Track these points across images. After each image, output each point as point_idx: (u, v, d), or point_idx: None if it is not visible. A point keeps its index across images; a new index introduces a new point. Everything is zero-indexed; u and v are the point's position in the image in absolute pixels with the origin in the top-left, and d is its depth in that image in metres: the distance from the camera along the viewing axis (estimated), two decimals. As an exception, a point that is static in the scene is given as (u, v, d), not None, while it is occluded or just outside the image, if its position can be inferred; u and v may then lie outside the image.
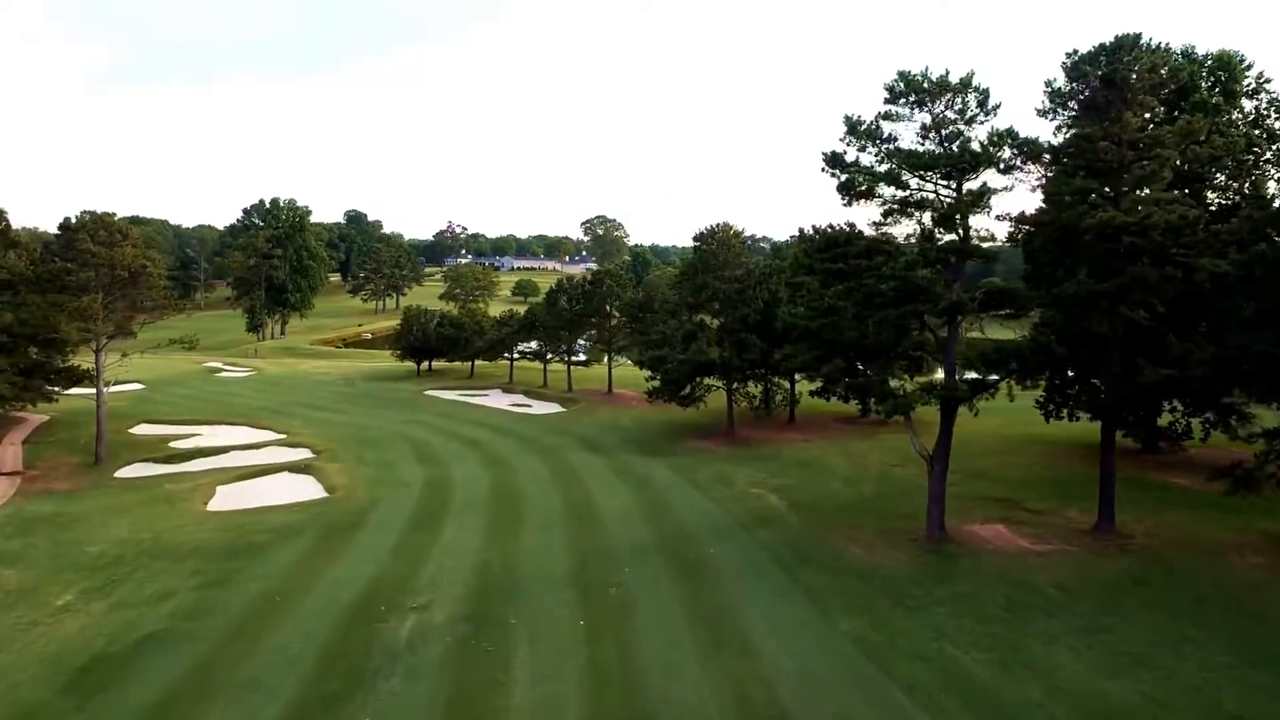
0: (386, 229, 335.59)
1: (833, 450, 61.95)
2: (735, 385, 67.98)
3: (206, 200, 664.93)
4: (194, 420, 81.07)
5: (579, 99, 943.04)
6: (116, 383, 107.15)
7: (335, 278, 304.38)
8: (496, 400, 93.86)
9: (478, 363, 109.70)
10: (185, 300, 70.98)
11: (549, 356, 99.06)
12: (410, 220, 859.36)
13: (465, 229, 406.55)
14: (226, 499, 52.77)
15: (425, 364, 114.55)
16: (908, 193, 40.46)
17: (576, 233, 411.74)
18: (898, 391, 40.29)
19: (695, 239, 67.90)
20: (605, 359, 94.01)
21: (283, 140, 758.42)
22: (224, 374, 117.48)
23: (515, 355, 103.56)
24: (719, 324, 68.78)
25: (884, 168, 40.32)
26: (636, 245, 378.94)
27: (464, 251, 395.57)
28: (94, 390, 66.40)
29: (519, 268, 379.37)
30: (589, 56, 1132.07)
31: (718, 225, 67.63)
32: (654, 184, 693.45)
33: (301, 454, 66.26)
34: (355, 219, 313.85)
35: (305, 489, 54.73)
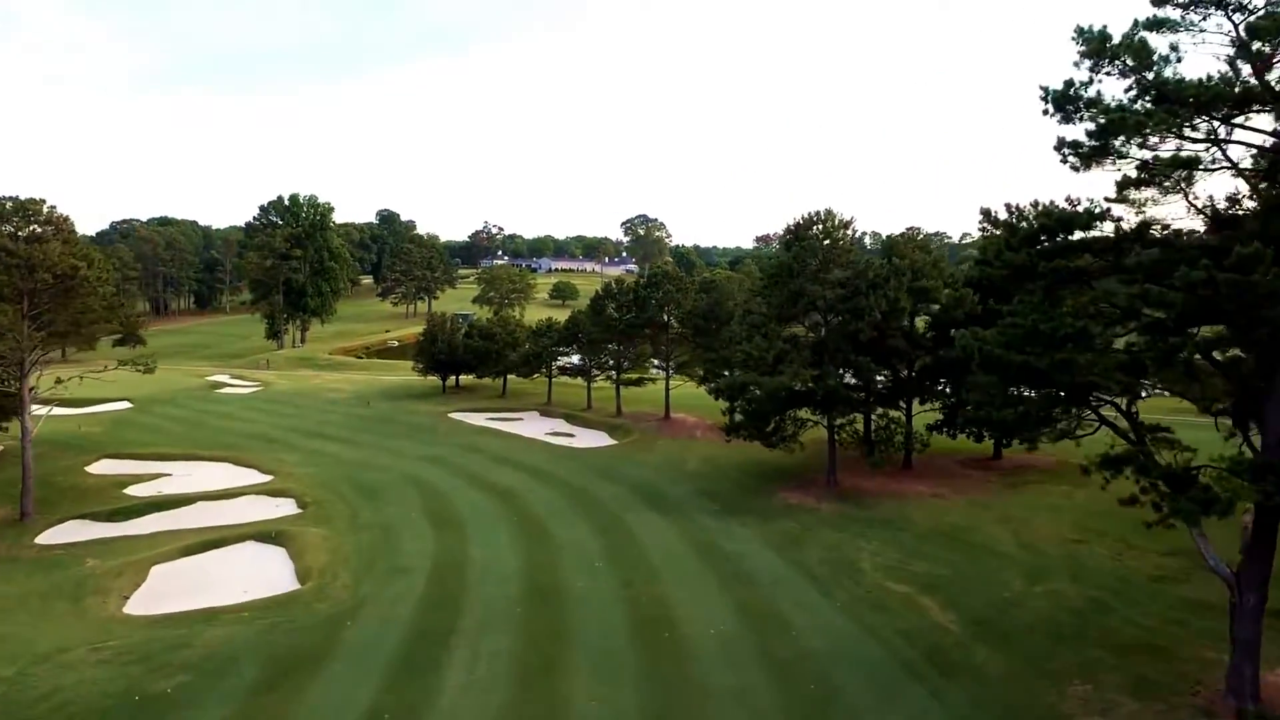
0: (420, 230, 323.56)
1: (978, 512, 46.12)
2: (840, 421, 52.30)
3: (239, 201, 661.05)
4: (169, 454, 67.14)
5: (619, 96, 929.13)
6: (101, 401, 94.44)
7: (367, 280, 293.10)
8: (532, 427, 78.88)
9: (511, 379, 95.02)
10: (137, 315, 58.12)
11: (594, 373, 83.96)
12: (445, 221, 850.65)
13: (501, 229, 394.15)
14: (157, 591, 38.28)
15: (452, 379, 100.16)
16: (1178, 147, 24.89)
17: (616, 233, 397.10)
18: (1181, 469, 24.52)
19: (787, 232, 52.11)
20: (661, 377, 78.69)
21: (316, 140, 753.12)
22: (227, 390, 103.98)
23: (554, 371, 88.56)
24: (812, 338, 53.20)
25: (1139, 104, 24.91)
26: (679, 246, 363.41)
27: (500, 253, 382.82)
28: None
29: (557, 269, 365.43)
30: (629, 53, 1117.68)
31: (815, 214, 52.10)
32: (695, 183, 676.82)
33: (282, 508, 51.75)
34: (387, 219, 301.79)
35: (270, 572, 40.07)
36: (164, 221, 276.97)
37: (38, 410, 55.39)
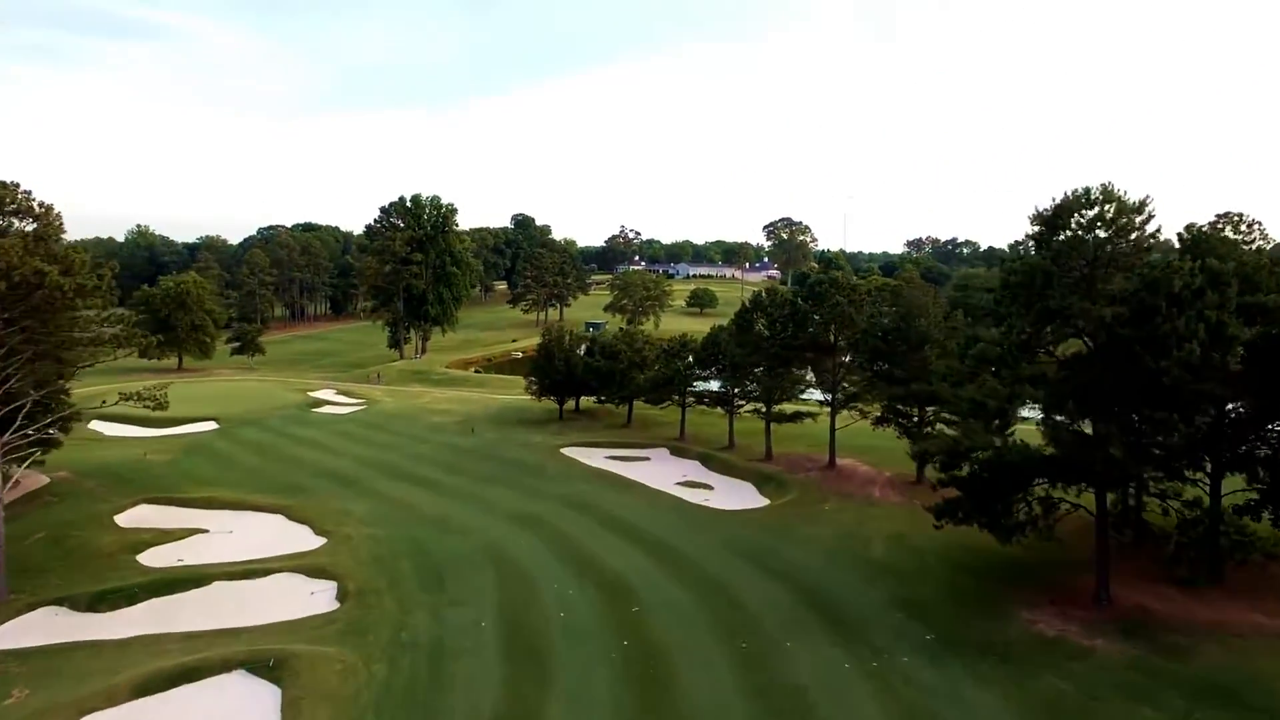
0: (556, 235, 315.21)
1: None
2: (1120, 503, 34.28)
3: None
4: (220, 500, 55.32)
5: (759, 99, 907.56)
6: (187, 420, 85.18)
7: (501, 286, 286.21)
8: (660, 471, 63.33)
9: (638, 405, 79.91)
10: (135, 334, 47.78)
11: (738, 403, 67.70)
12: (582, 226, 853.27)
13: (638, 234, 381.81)
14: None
15: (571, 402, 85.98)
16: None
17: (757, 237, 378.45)
18: None
19: (1038, 221, 34.32)
20: (824, 412, 61.54)
21: (457, 147, 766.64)
22: (325, 409, 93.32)
23: (689, 397, 72.72)
24: (1072, 380, 35.20)
25: None
26: (823, 250, 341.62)
27: (636, 258, 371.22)
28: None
29: (694, 275, 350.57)
30: (774, 55, 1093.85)
31: (1084, 193, 34.27)
32: (839, 185, 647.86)
33: (314, 600, 38.21)
34: (522, 223, 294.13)
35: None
36: (307, 227, 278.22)
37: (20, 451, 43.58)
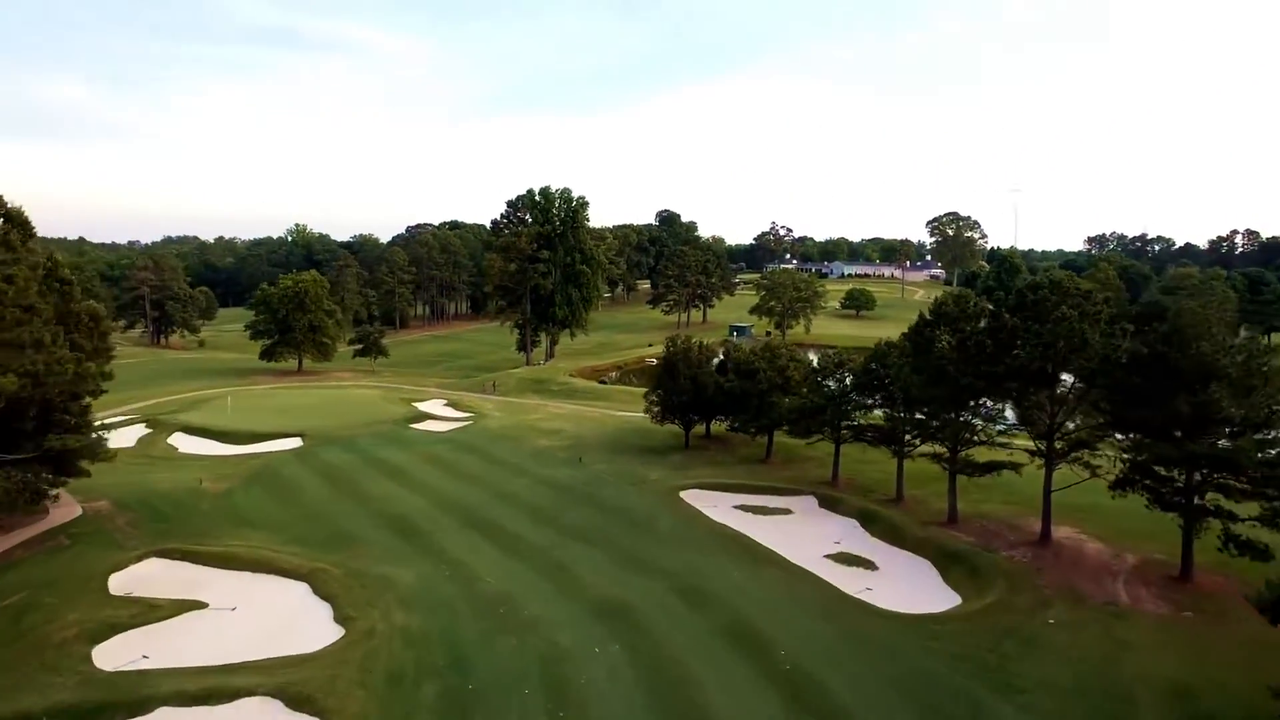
0: (703, 232, 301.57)
1: None
2: None
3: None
4: (242, 558, 44.38)
5: (919, 88, 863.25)
6: (272, 436, 76.34)
7: (645, 285, 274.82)
8: (805, 535, 48.37)
9: (780, 435, 64.83)
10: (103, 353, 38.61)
11: (913, 441, 51.65)
12: (730, 223, 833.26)
13: (790, 231, 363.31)
14: None
15: (701, 425, 71.83)
16: None
17: (918, 234, 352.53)
18: None
19: None
20: (1034, 463, 44.66)
21: (602, 144, 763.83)
22: (426, 424, 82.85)
23: (844, 430, 57.02)
24: None
25: None
26: (994, 248, 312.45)
27: (788, 256, 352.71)
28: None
29: (850, 274, 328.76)
30: (931, 44, 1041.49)
31: None
32: (1004, 179, 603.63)
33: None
34: (667, 220, 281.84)
35: None
36: (453, 225, 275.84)
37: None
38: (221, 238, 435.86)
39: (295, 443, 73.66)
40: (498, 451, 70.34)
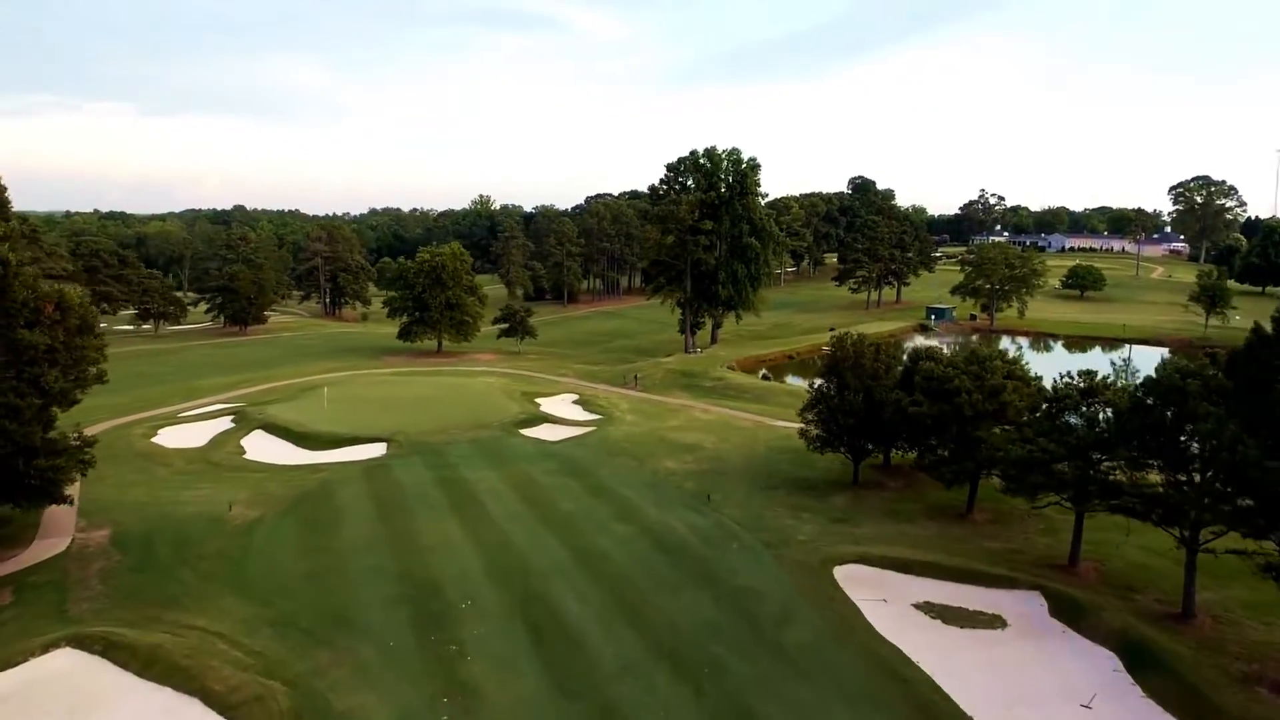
0: (901, 201, 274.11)
1: None
2: None
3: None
4: (183, 653, 31.48)
5: (1150, 42, 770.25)
6: (358, 440, 64.73)
7: (833, 259, 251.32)
8: (1031, 678, 30.09)
9: (987, 482, 45.75)
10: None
11: (1209, 529, 31.74)
12: (932, 191, 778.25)
13: (1001, 200, 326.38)
14: None
15: (878, 453, 53.57)
16: None
17: (1155, 203, 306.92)
18: None
19: None
20: None
21: (795, 110, 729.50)
22: (538, 430, 68.95)
23: (1092, 489, 37.39)
24: None
25: None
26: (1253, 218, 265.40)
27: (998, 227, 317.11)
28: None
29: (1071, 249, 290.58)
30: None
31: None
32: (1266, 138, 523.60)
33: None
34: (861, 187, 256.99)
35: None
36: (633, 195, 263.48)
37: None
38: (417, 209, 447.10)
39: (377, 450, 61.71)
40: (609, 476, 55.12)
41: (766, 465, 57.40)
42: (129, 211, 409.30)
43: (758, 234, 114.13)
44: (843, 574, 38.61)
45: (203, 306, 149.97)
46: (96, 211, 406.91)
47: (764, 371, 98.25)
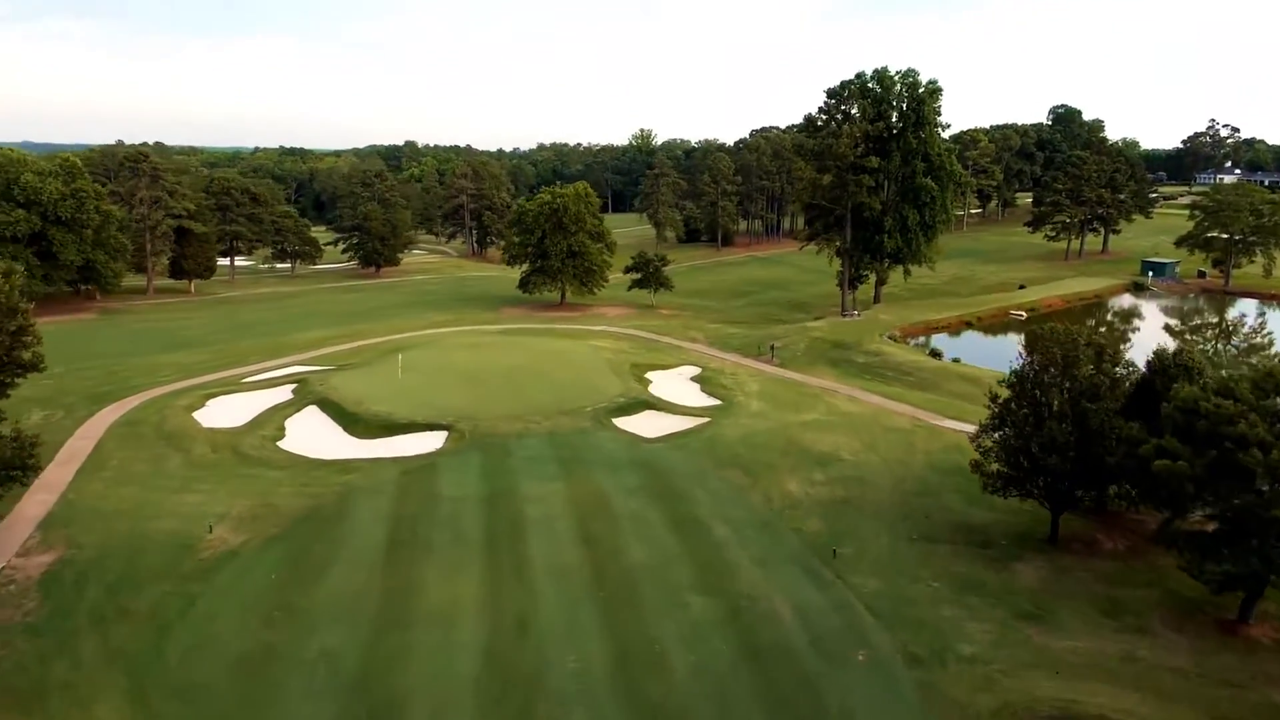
0: (1110, 134, 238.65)
1: None
2: None
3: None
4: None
5: None
6: (412, 428, 53.75)
7: (1027, 199, 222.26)
8: None
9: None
10: None
11: None
12: (1148, 121, 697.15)
13: (1236, 131, 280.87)
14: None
15: (1088, 497, 37.28)
16: None
17: None
18: None
19: None
20: None
21: (987, 30, 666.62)
22: (637, 420, 55.88)
23: None
24: None
25: None
26: None
27: (1229, 164, 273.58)
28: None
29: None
30: None
31: None
32: None
33: None
34: (1063, 118, 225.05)
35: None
36: (802, 128, 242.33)
37: None
38: (580, 144, 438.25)
39: (432, 441, 50.59)
40: (707, 502, 41.53)
41: (924, 496, 42.03)
42: (308, 147, 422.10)
43: (935, 173, 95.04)
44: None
45: (341, 246, 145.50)
46: (281, 147, 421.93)
47: (932, 346, 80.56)
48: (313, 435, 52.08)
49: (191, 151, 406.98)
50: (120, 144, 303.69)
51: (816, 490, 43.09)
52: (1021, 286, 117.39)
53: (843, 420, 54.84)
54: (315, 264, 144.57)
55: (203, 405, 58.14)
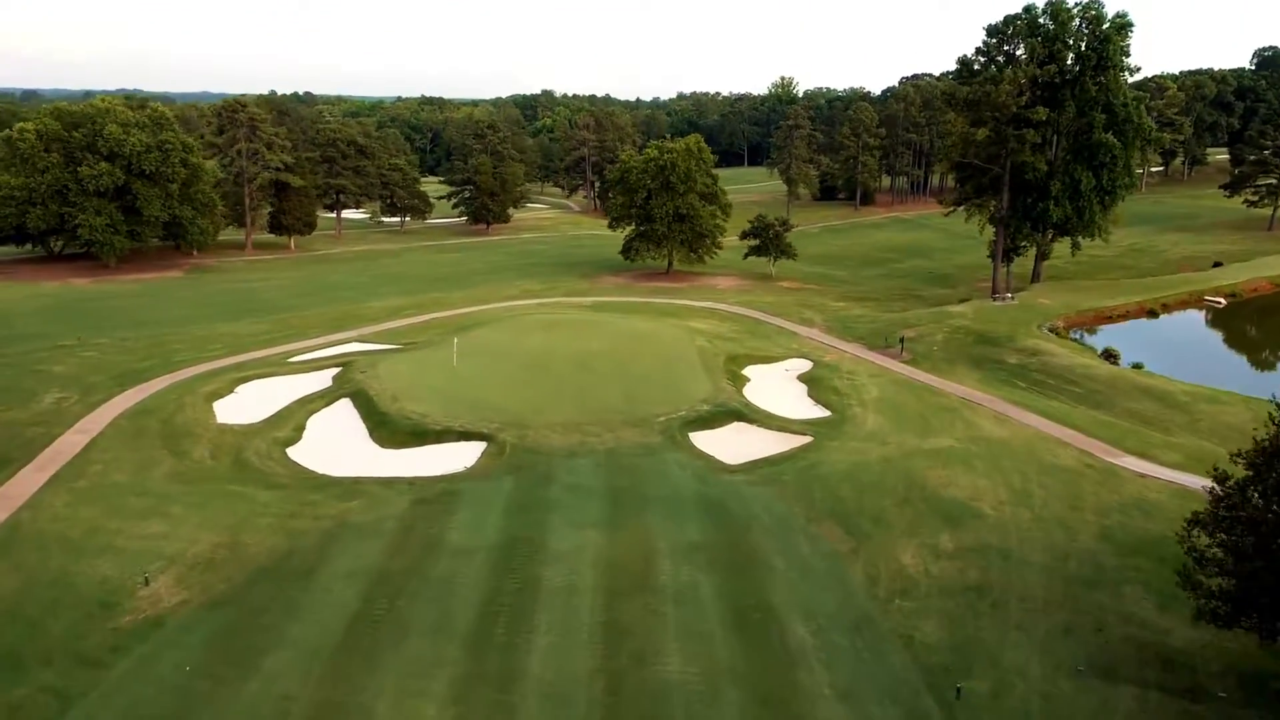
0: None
1: None
2: None
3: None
4: None
5: None
6: (453, 434, 44.78)
7: (1220, 156, 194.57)
8: None
9: None
10: None
11: None
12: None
13: None
14: None
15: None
16: None
17: None
18: None
19: None
20: None
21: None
22: (716, 437, 45.29)
23: None
24: None
25: None
26: None
27: None
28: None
29: None
30: None
31: None
32: None
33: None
34: (1269, 62, 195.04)
35: None
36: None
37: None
38: (720, 93, 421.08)
39: (464, 457, 41.74)
40: (785, 579, 31.02)
41: (1095, 588, 29.97)
42: (448, 97, 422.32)
43: (1118, 127, 78.69)
44: None
45: (452, 201, 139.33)
46: (422, 96, 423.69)
47: (1105, 345, 65.34)
48: (331, 440, 44.15)
49: (339, 100, 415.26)
50: (273, 94, 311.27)
51: (941, 567, 31.63)
52: (1217, 264, 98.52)
53: (985, 451, 42.50)
54: (425, 219, 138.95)
55: (230, 392, 51.35)
